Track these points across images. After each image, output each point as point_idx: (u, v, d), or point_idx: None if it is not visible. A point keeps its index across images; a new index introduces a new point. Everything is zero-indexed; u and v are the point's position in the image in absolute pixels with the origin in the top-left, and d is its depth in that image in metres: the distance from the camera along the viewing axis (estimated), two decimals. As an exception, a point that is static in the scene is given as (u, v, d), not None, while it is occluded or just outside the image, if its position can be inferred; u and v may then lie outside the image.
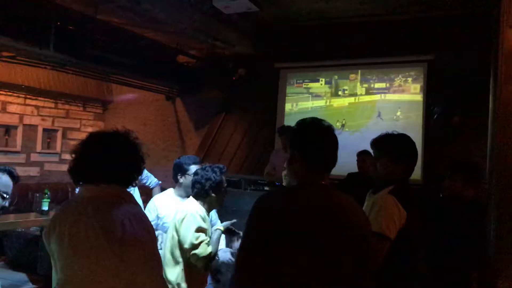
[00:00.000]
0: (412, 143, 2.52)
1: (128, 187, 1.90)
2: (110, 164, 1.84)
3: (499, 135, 1.19)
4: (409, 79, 6.44)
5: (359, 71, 6.81)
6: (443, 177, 3.26)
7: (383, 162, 2.49)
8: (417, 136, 6.21)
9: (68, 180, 7.83)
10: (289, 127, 6.01)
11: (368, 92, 6.75)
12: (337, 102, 6.99)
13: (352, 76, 6.85)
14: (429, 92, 6.26)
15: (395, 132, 2.54)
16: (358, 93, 6.86)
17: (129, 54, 6.51)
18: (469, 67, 5.74)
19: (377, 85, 6.70)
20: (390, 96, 6.57)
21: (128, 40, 6.54)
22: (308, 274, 1.71)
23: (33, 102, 7.77)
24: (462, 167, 3.20)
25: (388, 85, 6.59)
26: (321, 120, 1.95)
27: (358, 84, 6.85)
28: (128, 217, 1.75)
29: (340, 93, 7.02)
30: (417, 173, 6.05)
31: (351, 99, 6.88)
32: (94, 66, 6.25)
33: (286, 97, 7.31)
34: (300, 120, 1.96)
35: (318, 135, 1.90)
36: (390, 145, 2.51)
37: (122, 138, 1.90)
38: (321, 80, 7.07)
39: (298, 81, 7.25)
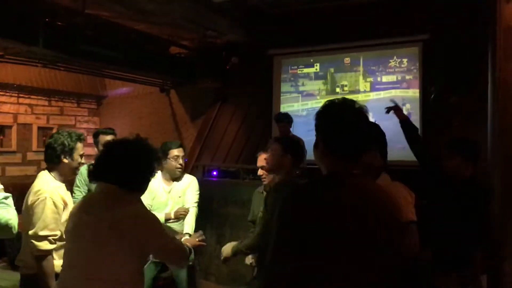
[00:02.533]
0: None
1: (140, 193, 2.17)
2: (133, 172, 2.08)
3: (501, 116, 1.15)
4: (404, 60, 6.36)
5: (361, 56, 6.69)
6: (441, 157, 3.21)
7: None
8: (415, 117, 6.17)
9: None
10: (286, 114, 5.96)
11: (375, 87, 6.58)
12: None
13: (346, 59, 6.76)
14: (425, 73, 6.19)
15: None
16: (361, 89, 6.68)
17: (121, 48, 6.42)
18: (465, 45, 5.67)
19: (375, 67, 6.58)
20: (385, 78, 6.49)
21: (119, 33, 6.45)
22: (353, 270, 1.57)
23: (26, 101, 7.71)
24: (459, 145, 3.13)
25: (382, 67, 6.50)
26: (351, 101, 1.74)
27: (361, 78, 6.70)
28: (140, 216, 2.03)
29: (338, 89, 6.86)
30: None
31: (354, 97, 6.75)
32: (85, 62, 6.18)
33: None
34: (328, 100, 1.77)
35: (341, 118, 1.70)
36: None
37: (147, 150, 2.16)
38: (316, 66, 6.99)
39: (292, 67, 7.18)
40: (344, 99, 1.74)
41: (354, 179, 1.69)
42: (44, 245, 2.56)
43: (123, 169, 2.06)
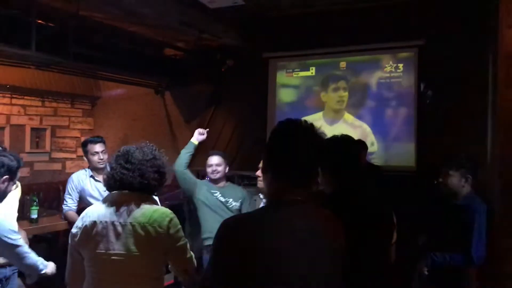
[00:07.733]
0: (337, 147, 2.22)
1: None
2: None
3: (502, 143, 1.13)
4: (400, 65, 6.33)
5: (357, 61, 6.67)
6: (438, 173, 3.20)
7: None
8: (410, 124, 6.15)
9: (59, 179, 7.70)
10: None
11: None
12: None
13: (342, 64, 6.72)
14: (420, 78, 6.17)
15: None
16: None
17: (115, 50, 6.38)
18: (461, 52, 5.66)
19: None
20: (381, 83, 6.46)
21: (113, 35, 6.40)
22: None
23: (20, 102, 7.64)
24: (458, 163, 3.13)
25: (378, 72, 6.47)
26: (306, 122, 1.60)
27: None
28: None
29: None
30: (411, 161, 6.03)
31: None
32: (79, 64, 6.11)
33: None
34: (287, 119, 1.62)
35: (287, 139, 1.56)
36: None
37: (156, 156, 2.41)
38: (311, 69, 6.95)
39: (288, 71, 7.13)
40: (303, 121, 1.61)
41: (298, 206, 1.53)
42: None
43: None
